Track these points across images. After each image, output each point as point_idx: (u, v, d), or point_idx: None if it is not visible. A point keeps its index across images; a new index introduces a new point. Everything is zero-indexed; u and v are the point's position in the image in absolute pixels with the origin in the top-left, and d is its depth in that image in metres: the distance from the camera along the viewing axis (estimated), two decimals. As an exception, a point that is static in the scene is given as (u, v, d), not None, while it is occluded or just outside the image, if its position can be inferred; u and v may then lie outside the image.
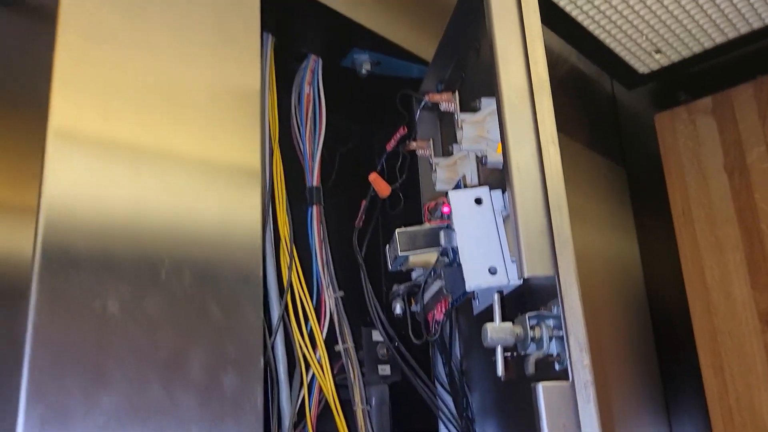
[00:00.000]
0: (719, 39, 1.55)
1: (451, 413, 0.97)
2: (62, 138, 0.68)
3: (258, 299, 0.80)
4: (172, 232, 0.74)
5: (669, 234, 1.52)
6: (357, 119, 1.36)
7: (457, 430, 0.97)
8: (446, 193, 0.85)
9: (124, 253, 0.69)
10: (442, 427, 1.08)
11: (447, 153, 1.11)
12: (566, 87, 1.64)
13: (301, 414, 0.99)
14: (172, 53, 0.81)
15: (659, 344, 1.56)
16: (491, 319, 0.74)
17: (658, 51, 1.58)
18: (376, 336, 1.16)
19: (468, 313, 1.03)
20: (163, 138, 0.77)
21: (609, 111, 1.75)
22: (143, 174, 0.74)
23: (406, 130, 1.07)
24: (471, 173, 1.00)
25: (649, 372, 1.53)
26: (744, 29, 1.51)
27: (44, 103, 0.69)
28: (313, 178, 1.14)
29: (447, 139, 1.15)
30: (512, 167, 0.72)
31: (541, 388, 0.65)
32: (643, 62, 1.65)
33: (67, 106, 0.69)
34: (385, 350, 1.15)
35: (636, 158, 1.73)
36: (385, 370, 1.16)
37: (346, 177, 1.26)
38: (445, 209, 0.82)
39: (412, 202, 1.17)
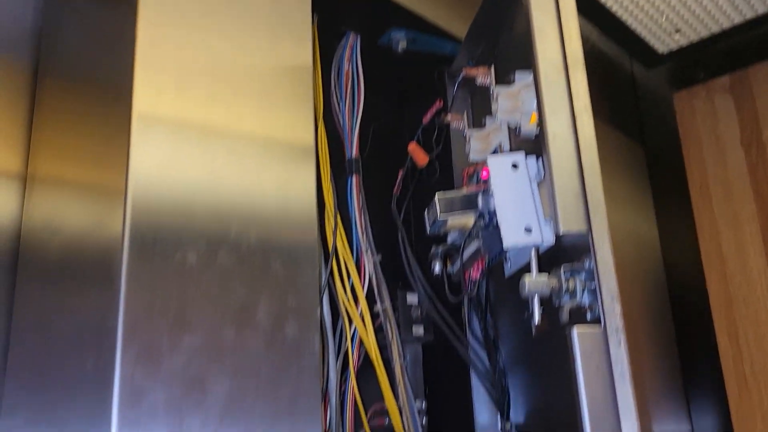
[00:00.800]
0: (737, 19, 1.60)
1: (485, 367, 1.05)
2: (144, 120, 0.75)
3: (314, 257, 0.88)
4: (239, 200, 0.82)
5: (686, 209, 1.58)
6: (388, 96, 1.43)
7: (489, 382, 1.05)
8: (486, 159, 0.92)
9: (199, 216, 0.77)
10: (473, 382, 1.16)
11: (478, 126, 1.18)
12: (586, 65, 1.69)
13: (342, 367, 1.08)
14: (235, 35, 0.88)
15: (676, 314, 1.62)
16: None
17: (677, 30, 1.63)
18: (411, 299, 1.24)
19: (497, 277, 1.10)
20: (229, 114, 0.84)
21: (628, 90, 1.81)
22: (214, 150, 0.81)
23: (441, 103, 1.14)
24: (504, 144, 1.07)
25: (665, 341, 1.60)
26: (762, 10, 1.56)
27: (124, 85, 0.76)
28: (352, 150, 1.21)
29: (478, 113, 1.22)
30: (548, 134, 0.79)
31: (576, 332, 0.72)
32: (663, 42, 1.70)
33: (148, 89, 0.76)
34: (419, 312, 1.23)
35: (655, 136, 1.79)
36: (418, 330, 1.24)
37: (378, 151, 1.33)
38: (484, 173, 0.89)
39: (444, 174, 1.24)
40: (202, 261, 0.76)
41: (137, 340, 0.68)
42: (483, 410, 1.15)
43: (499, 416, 1.09)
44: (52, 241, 0.88)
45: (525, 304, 0.98)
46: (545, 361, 0.94)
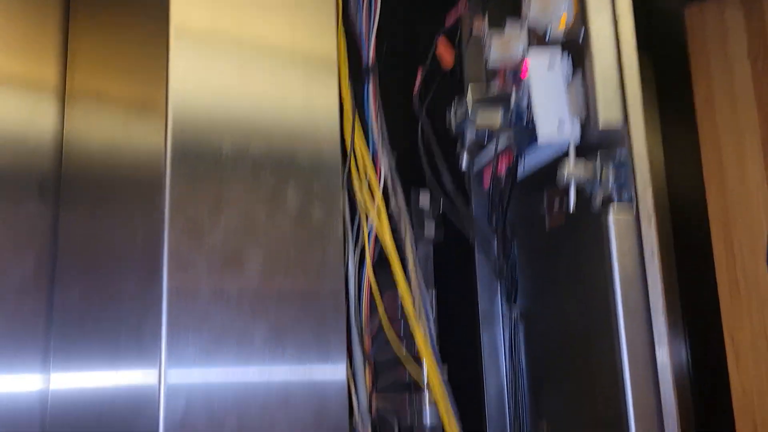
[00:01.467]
0: (754, -71, 1.58)
1: (495, 255, 1.09)
2: (180, 33, 0.76)
3: (336, 147, 0.91)
4: (268, 102, 0.84)
5: (692, 125, 1.60)
6: (401, 10, 1.42)
7: (499, 270, 1.09)
8: (508, 60, 0.93)
9: (231, 116, 0.80)
10: (479, 275, 1.21)
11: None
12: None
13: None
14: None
15: (675, 224, 1.67)
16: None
17: (694, -61, 1.61)
18: (424, 200, 1.26)
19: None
20: (257, 22, 0.85)
21: (640, 4, 1.79)
22: (244, 57, 0.82)
23: (466, 6, 1.13)
24: (524, 50, 1.07)
25: (664, 248, 1.64)
26: None
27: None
28: (369, 56, 1.21)
29: (493, 21, 1.21)
30: (591, 30, 0.80)
31: (612, 217, 0.75)
32: (677, -48, 1.68)
33: (183, 4, 0.77)
34: (431, 212, 1.26)
35: (665, 52, 1.78)
36: (430, 230, 1.27)
37: (392, 66, 1.33)
38: (524, 68, 0.90)
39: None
40: (236, 150, 0.78)
41: (182, 216, 0.71)
42: (486, 298, 1.21)
43: (503, 302, 1.15)
44: (94, 143, 0.90)
45: (539, 202, 1.01)
46: (559, 253, 0.98)
